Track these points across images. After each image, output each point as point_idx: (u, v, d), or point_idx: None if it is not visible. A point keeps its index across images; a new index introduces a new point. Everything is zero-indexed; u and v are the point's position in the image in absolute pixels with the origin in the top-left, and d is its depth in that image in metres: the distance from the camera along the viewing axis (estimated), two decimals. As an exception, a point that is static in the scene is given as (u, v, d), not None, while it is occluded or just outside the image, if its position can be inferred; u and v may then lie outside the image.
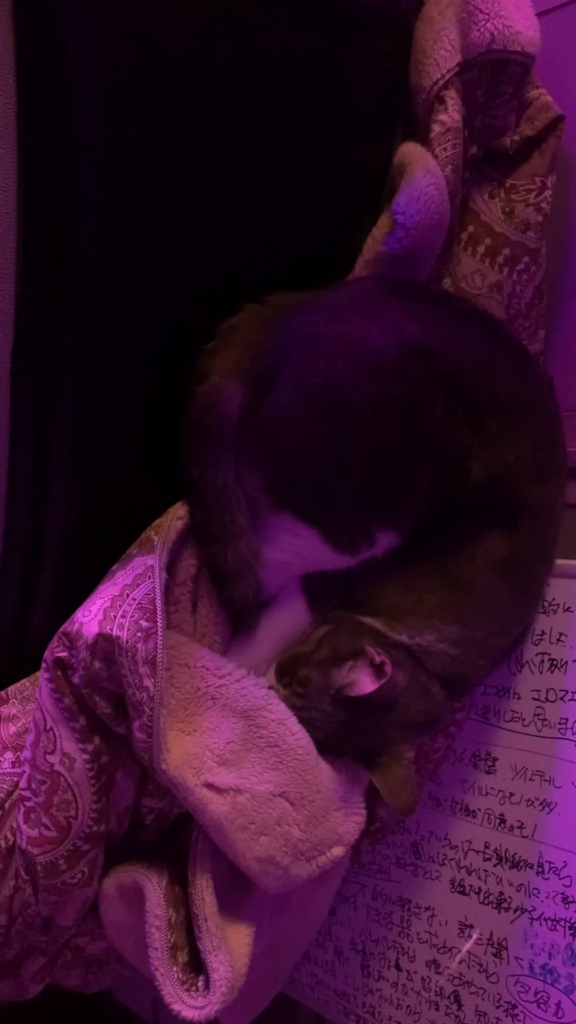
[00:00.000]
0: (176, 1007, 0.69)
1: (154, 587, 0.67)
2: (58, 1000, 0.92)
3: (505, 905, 0.85)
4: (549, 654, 0.83)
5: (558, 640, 0.83)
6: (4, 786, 0.72)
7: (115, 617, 0.65)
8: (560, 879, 0.81)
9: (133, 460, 0.73)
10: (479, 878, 0.88)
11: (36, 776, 0.68)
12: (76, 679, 0.66)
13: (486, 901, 0.87)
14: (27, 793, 0.69)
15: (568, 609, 0.82)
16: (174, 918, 0.72)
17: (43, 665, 0.68)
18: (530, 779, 0.84)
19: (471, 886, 0.88)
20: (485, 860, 0.87)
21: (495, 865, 0.86)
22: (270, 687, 0.74)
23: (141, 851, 0.77)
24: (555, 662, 0.83)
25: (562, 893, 0.81)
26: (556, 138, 0.82)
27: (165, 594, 0.68)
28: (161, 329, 0.70)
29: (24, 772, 0.69)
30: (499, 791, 0.87)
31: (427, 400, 0.69)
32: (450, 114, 0.75)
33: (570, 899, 0.80)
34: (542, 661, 0.84)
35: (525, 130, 0.81)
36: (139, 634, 0.65)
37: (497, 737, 0.87)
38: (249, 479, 0.72)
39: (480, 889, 0.88)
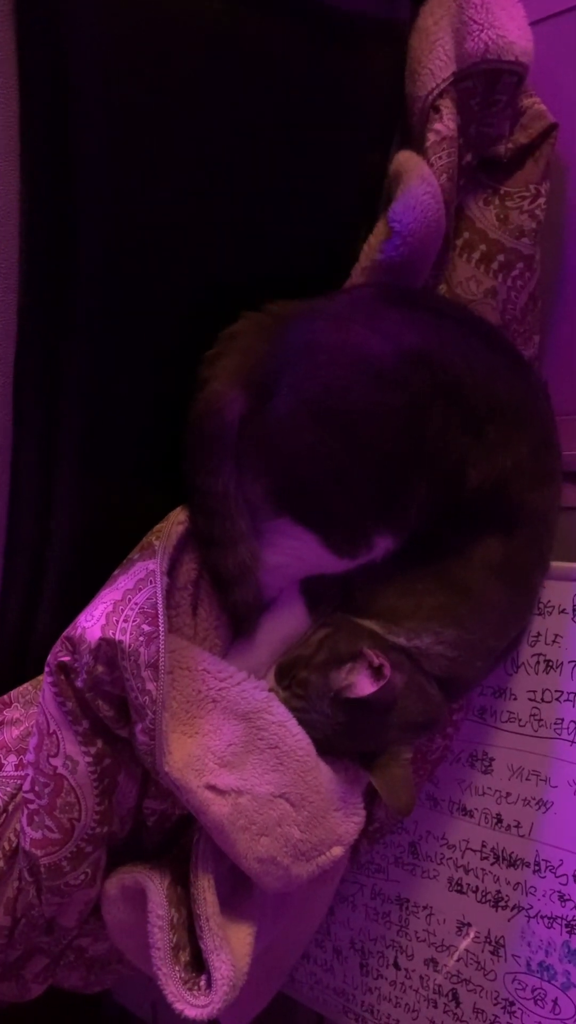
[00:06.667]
0: (179, 1006, 0.69)
1: (156, 591, 0.67)
2: (57, 1001, 0.93)
3: (502, 903, 0.86)
4: (545, 655, 0.84)
5: (553, 641, 0.84)
6: (8, 789, 0.72)
7: (117, 622, 0.66)
8: (556, 877, 0.82)
9: (135, 466, 0.74)
10: (476, 877, 0.89)
11: (39, 779, 0.69)
12: (79, 683, 0.67)
13: (484, 899, 0.88)
14: (30, 796, 0.70)
15: (563, 611, 0.83)
16: (176, 918, 0.73)
17: (46, 669, 0.68)
18: (526, 779, 0.85)
19: (469, 885, 0.89)
20: (482, 859, 0.88)
21: (492, 864, 0.87)
22: (270, 689, 0.75)
23: (143, 852, 0.78)
24: (551, 663, 0.84)
25: (558, 891, 0.82)
26: (550, 146, 0.83)
27: (166, 598, 0.69)
28: (163, 336, 0.71)
29: (27, 775, 0.70)
30: (496, 791, 0.88)
31: (426, 407, 0.70)
32: (445, 123, 0.76)
33: (566, 897, 0.81)
34: (538, 662, 0.85)
35: (519, 138, 0.82)
36: (141, 638, 0.65)
37: (494, 738, 0.88)
38: (250, 484, 0.72)
39: (478, 888, 0.89)
